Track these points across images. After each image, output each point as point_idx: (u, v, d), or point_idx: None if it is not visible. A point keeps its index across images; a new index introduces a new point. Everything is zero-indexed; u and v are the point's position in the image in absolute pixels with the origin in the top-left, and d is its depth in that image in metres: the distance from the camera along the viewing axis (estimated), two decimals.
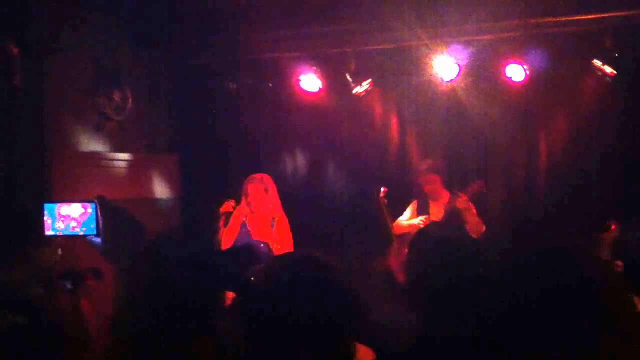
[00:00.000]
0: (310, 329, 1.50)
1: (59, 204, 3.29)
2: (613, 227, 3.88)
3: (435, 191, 5.39)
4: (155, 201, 6.02)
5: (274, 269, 1.65)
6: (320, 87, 6.02)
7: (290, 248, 4.88)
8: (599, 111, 5.58)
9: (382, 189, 5.21)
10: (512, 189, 5.90)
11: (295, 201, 6.26)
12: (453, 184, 5.84)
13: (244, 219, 5.03)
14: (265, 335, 1.53)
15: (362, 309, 1.65)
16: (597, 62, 5.27)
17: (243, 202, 5.00)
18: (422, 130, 6.13)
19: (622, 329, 1.33)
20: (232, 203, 5.09)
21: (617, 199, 5.24)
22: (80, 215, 3.40)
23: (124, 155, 5.70)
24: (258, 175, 5.01)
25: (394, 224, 5.34)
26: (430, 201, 5.43)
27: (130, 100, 5.60)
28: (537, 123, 5.83)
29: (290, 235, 4.98)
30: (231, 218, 5.08)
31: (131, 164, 5.76)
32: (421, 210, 5.42)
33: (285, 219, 5.00)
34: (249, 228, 4.98)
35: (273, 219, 4.96)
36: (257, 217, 4.96)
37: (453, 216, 5.07)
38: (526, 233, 5.52)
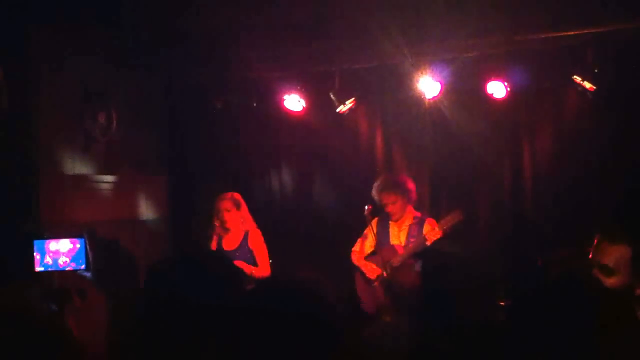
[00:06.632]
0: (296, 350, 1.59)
1: (47, 240, 3.33)
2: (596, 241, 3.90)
3: (397, 213, 5.22)
4: (144, 222, 6.03)
5: (263, 295, 1.73)
6: (304, 106, 6.05)
7: (266, 259, 5.12)
8: (582, 126, 5.62)
9: (367, 207, 5.22)
10: (498, 203, 5.94)
11: (283, 219, 6.34)
12: (439, 200, 5.93)
13: (218, 240, 5.23)
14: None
15: (344, 331, 1.74)
16: (577, 78, 5.35)
17: (216, 222, 5.17)
18: (408, 146, 6.15)
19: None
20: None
21: (603, 210, 5.31)
22: (69, 251, 3.45)
23: (111, 178, 5.71)
24: (228, 194, 5.19)
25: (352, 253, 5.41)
26: (391, 222, 5.29)
27: (115, 121, 5.59)
28: (521, 138, 5.87)
29: (264, 246, 5.16)
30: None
31: (119, 186, 5.76)
32: (380, 232, 5.29)
33: (259, 232, 5.19)
34: (224, 247, 5.15)
35: (246, 232, 5.14)
36: (231, 235, 5.16)
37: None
38: (514, 247, 5.57)
